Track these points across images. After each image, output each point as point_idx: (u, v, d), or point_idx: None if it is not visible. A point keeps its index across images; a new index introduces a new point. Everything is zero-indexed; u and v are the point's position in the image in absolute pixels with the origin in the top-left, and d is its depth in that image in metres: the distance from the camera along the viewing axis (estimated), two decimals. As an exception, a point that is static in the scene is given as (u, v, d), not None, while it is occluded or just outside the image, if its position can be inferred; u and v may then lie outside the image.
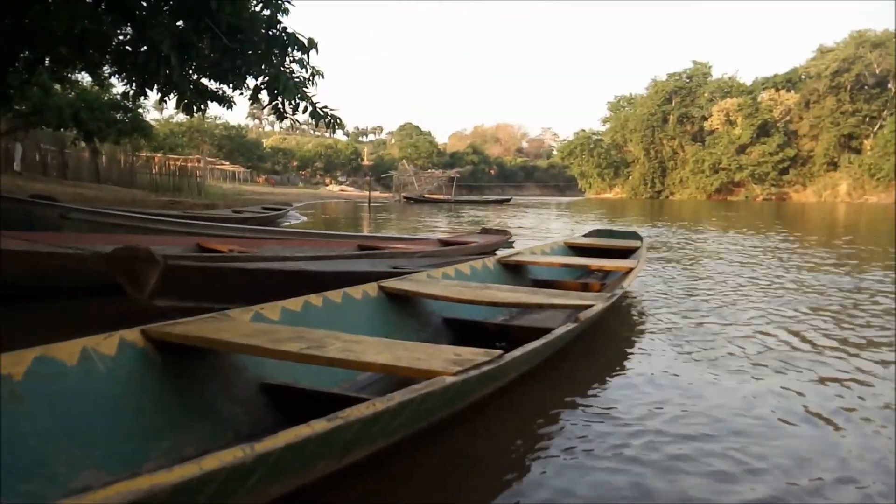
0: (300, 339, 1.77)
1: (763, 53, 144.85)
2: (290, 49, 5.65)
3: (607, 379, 2.37)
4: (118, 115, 13.43)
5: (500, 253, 4.63)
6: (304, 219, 14.28)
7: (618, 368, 2.52)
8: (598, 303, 2.64)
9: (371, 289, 2.68)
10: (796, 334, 3.12)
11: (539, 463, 1.64)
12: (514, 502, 1.44)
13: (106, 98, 13.19)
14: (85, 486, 1.31)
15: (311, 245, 4.93)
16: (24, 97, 10.01)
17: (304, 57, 5.75)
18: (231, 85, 6.07)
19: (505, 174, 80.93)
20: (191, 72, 5.96)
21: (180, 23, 5.40)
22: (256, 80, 5.84)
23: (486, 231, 6.80)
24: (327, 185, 57.35)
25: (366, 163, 63.19)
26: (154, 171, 20.69)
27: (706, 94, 59.61)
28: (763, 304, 3.90)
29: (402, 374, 1.63)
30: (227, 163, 44.43)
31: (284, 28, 5.61)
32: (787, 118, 55.17)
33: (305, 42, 5.59)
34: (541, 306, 2.74)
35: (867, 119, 50.84)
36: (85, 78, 11.75)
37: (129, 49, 5.99)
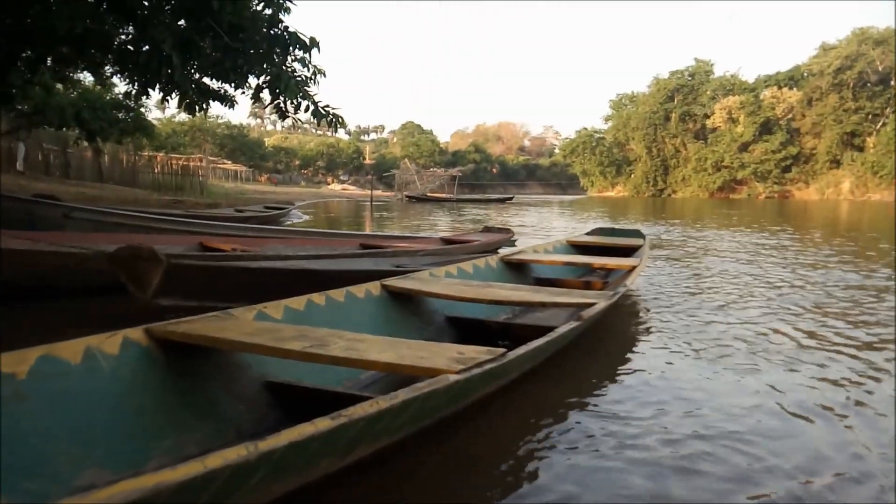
0: (303, 337, 1.78)
1: (765, 51, 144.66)
2: (291, 48, 5.65)
3: (611, 377, 2.36)
4: (120, 115, 13.46)
5: (503, 251, 4.63)
6: (307, 218, 14.28)
7: (621, 367, 2.51)
8: (600, 301, 2.64)
9: (374, 287, 2.68)
10: (802, 331, 3.11)
11: (542, 462, 1.64)
12: (517, 501, 1.44)
13: (108, 97, 13.21)
14: (88, 485, 1.31)
15: (313, 244, 4.93)
16: (26, 97, 10.03)
17: (306, 56, 5.75)
18: (233, 84, 6.08)
19: (507, 173, 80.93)
20: (193, 71, 5.97)
21: (182, 22, 5.41)
22: (258, 79, 5.85)
23: (488, 230, 6.80)
24: (329, 184, 57.40)
25: (368, 162, 63.19)
26: (156, 171, 20.72)
27: (708, 92, 59.50)
28: (767, 301, 3.89)
29: (405, 373, 1.63)
30: (230, 162, 44.50)
31: (286, 27, 5.61)
32: (790, 116, 55.07)
33: (307, 41, 5.59)
34: (543, 305, 2.74)
35: (870, 116, 50.72)
36: (87, 77, 11.75)
37: (131, 48, 5.99)
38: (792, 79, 56.80)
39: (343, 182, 59.95)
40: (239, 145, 52.71)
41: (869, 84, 51.06)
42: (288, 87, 5.58)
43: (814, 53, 55.95)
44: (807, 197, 50.87)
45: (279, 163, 61.06)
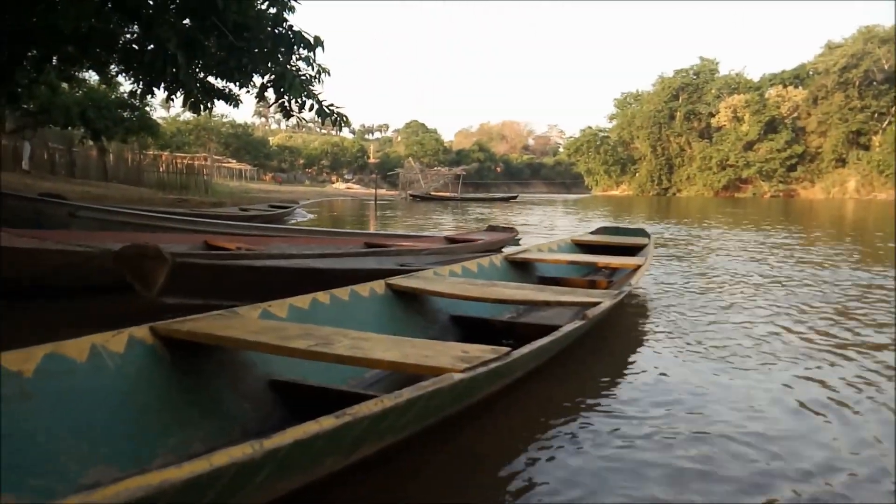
0: (308, 336, 1.78)
1: (770, 50, 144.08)
2: (296, 47, 5.66)
3: (616, 376, 2.36)
4: (125, 114, 13.52)
5: (507, 250, 4.62)
6: (311, 216, 14.30)
7: (626, 366, 2.51)
8: (605, 300, 2.63)
9: (378, 286, 2.68)
10: (812, 329, 3.10)
11: (547, 461, 1.63)
12: (523, 502, 1.44)
13: (113, 97, 13.26)
14: (94, 483, 1.31)
15: (318, 243, 4.94)
16: (31, 96, 10.09)
17: (311, 55, 5.76)
18: (237, 83, 6.10)
19: (511, 172, 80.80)
20: (197, 70, 5.99)
21: (187, 21, 5.42)
22: (263, 78, 5.87)
23: (492, 228, 6.79)
24: (333, 183, 57.42)
25: (372, 160, 63.20)
26: (161, 170, 20.77)
27: (713, 91, 59.25)
28: (773, 300, 3.88)
29: (410, 372, 1.63)
30: (234, 161, 44.51)
31: (290, 26, 5.62)
32: (795, 115, 54.80)
33: (311, 40, 5.60)
34: (548, 303, 2.74)
35: (876, 115, 50.43)
36: (92, 77, 11.82)
37: (136, 48, 6.02)
38: (797, 77, 56.54)
39: (347, 181, 59.95)
40: (243, 144, 52.75)
41: (875, 83, 50.77)
42: (292, 86, 5.59)
43: (819, 52, 55.63)
44: (812, 196, 50.66)
45: (283, 162, 61.11)
